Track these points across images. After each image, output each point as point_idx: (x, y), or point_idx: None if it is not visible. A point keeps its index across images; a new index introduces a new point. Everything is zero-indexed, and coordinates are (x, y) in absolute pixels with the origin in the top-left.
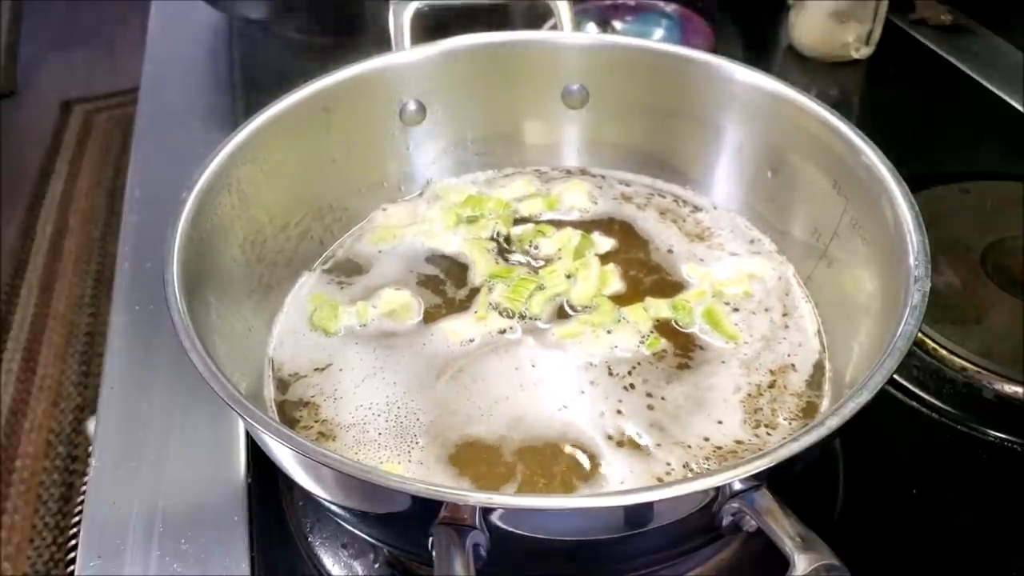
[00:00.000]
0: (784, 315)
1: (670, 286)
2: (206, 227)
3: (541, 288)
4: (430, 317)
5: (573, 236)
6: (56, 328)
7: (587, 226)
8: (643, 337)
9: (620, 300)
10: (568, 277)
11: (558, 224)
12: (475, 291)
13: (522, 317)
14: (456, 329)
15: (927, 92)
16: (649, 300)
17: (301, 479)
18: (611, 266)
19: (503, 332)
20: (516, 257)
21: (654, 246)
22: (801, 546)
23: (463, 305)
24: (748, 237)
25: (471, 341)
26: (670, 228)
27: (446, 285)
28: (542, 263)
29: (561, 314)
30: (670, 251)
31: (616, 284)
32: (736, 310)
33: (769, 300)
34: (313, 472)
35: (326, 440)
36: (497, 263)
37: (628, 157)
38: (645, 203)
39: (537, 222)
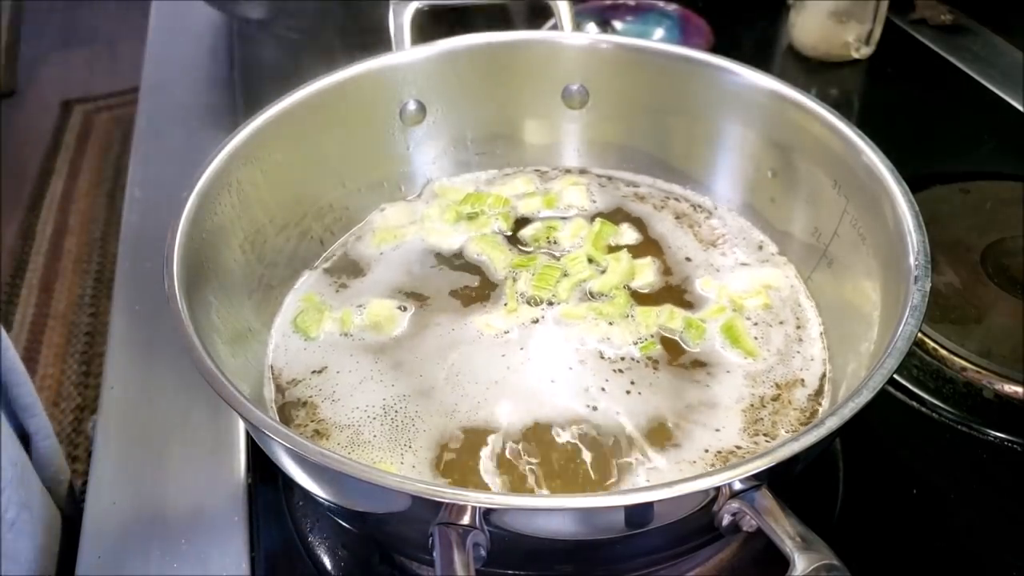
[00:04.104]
0: (797, 327)
1: (685, 298)
2: (206, 227)
3: (566, 275)
4: (449, 313)
5: (594, 223)
6: (56, 328)
7: None
8: (640, 339)
9: (639, 299)
10: (590, 262)
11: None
12: (481, 286)
13: (550, 304)
14: (490, 323)
15: (927, 92)
16: (666, 307)
17: (301, 479)
18: (648, 259)
19: (536, 321)
20: (531, 251)
21: (669, 249)
22: (801, 546)
23: (475, 299)
24: (753, 241)
25: (506, 332)
26: (687, 233)
27: (452, 282)
28: (563, 253)
29: (584, 299)
30: (688, 259)
31: (649, 277)
32: (755, 324)
33: (784, 312)
34: (314, 472)
35: (320, 439)
36: (512, 252)
37: (628, 157)
38: (662, 205)
39: (539, 219)
